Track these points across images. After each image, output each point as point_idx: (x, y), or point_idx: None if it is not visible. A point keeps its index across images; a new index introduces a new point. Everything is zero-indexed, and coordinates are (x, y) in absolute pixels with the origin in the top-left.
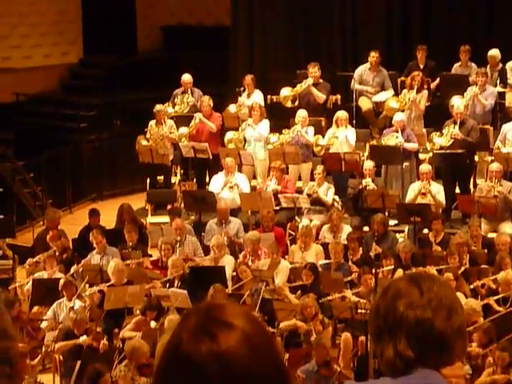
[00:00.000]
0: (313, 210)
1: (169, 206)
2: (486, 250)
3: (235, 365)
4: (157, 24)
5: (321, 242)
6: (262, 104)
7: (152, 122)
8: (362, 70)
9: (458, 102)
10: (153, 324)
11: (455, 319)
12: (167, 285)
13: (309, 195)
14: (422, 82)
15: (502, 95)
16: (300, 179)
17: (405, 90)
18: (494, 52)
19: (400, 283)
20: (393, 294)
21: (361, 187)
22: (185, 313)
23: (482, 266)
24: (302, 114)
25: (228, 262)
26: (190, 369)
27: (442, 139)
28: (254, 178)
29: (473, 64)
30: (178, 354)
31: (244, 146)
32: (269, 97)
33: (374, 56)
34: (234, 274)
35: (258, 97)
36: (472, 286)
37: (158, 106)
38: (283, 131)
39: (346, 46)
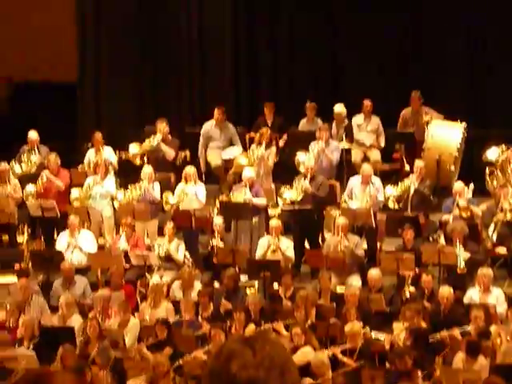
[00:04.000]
0: (163, 267)
1: (16, 266)
2: (334, 304)
3: None
4: (2, 80)
5: (171, 299)
6: (115, 161)
7: None
8: (209, 127)
9: (305, 158)
10: None
11: (288, 378)
12: (16, 345)
13: (159, 255)
14: (270, 139)
15: (348, 151)
16: (147, 236)
17: (253, 146)
18: (340, 108)
19: (233, 344)
20: (226, 356)
21: (211, 245)
22: (15, 379)
23: (331, 320)
24: (147, 170)
25: (76, 321)
26: None
27: (292, 193)
28: (101, 235)
29: (319, 120)
30: None
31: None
32: (117, 153)
33: (219, 113)
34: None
35: (108, 153)
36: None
37: (2, 165)
38: (129, 187)
39: (194, 102)
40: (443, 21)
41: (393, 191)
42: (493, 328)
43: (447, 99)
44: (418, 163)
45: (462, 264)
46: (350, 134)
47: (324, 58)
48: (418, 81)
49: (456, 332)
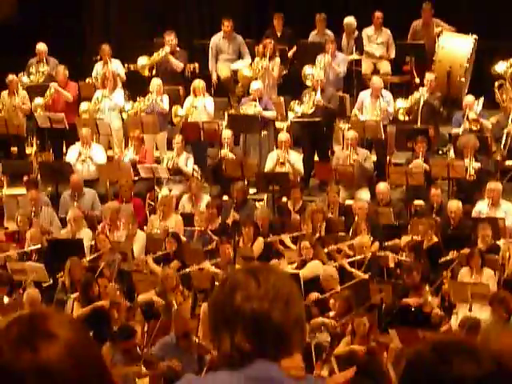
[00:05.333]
0: (172, 180)
1: (25, 178)
2: (343, 218)
3: (56, 376)
4: None
5: (180, 211)
6: (123, 73)
7: (4, 93)
8: (217, 39)
9: (312, 71)
10: (6, 299)
11: (293, 311)
12: (24, 257)
13: (168, 167)
14: (274, 50)
15: (358, 63)
16: (156, 148)
17: (257, 58)
18: (350, 20)
19: (238, 275)
20: (230, 286)
21: (219, 157)
22: (8, 321)
23: (339, 233)
24: (156, 82)
25: (85, 235)
26: (9, 380)
27: (304, 107)
28: (110, 147)
29: (329, 32)
30: None
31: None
32: (126, 65)
33: (227, 25)
34: (93, 244)
35: (116, 66)
36: (327, 250)
37: (10, 76)
38: (138, 99)
39: (202, 13)
40: None
41: (403, 104)
42: (501, 242)
43: (459, 11)
44: (429, 76)
45: (471, 171)
46: (360, 46)
47: None
48: None
49: (465, 251)
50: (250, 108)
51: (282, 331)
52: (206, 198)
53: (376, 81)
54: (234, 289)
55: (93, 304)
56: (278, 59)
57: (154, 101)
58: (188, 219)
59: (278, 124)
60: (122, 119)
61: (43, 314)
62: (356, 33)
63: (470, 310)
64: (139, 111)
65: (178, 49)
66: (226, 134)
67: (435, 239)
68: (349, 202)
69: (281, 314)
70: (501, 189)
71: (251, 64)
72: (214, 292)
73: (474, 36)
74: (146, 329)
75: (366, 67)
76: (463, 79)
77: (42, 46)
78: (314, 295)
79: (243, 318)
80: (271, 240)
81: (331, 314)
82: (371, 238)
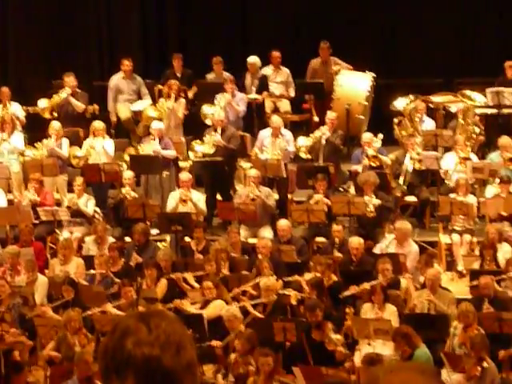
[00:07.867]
0: (73, 222)
1: None
2: (246, 257)
3: None
4: None
5: (85, 254)
6: (22, 116)
7: None
8: (117, 79)
9: (211, 110)
10: None
11: (184, 355)
12: None
13: (69, 207)
14: (179, 91)
15: (261, 102)
16: (57, 191)
17: (162, 99)
18: (254, 59)
19: (128, 321)
20: (121, 332)
21: (121, 197)
22: None
23: (243, 273)
24: (55, 126)
25: None
26: None
27: (204, 147)
28: (10, 191)
29: (227, 73)
30: None
31: None
32: (24, 108)
33: (127, 64)
34: None
35: (16, 108)
36: (232, 295)
37: None
38: (36, 144)
39: (102, 54)
40: None
41: (305, 142)
42: (402, 278)
43: (356, 49)
44: (331, 114)
45: (371, 208)
46: (264, 85)
47: (232, 10)
48: (327, 30)
49: (366, 286)
50: (148, 146)
51: (173, 376)
52: (111, 240)
53: (275, 120)
54: (125, 334)
55: None
56: (183, 100)
57: (53, 145)
58: (91, 262)
59: (180, 163)
60: (21, 162)
61: None
62: (260, 72)
63: (369, 344)
64: (39, 155)
65: (78, 90)
66: (127, 174)
67: (334, 278)
68: (252, 240)
69: (172, 359)
70: (408, 228)
71: (156, 104)
72: (105, 338)
73: (372, 74)
74: (48, 373)
75: (267, 106)
76: (362, 116)
77: None
78: (218, 343)
79: (134, 364)
80: (174, 277)
81: (233, 355)
82: (274, 276)
